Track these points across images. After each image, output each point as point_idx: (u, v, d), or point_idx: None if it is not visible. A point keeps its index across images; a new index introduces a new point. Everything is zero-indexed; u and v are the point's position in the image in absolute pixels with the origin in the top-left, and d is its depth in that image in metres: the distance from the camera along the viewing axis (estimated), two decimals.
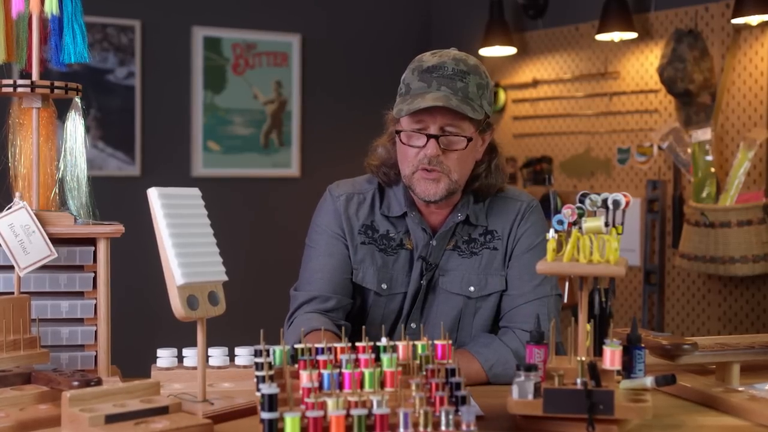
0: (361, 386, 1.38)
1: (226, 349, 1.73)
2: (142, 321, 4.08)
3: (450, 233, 1.93)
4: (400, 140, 1.86)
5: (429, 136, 1.81)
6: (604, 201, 1.44)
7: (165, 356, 1.70)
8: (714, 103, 3.65)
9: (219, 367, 1.70)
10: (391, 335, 1.91)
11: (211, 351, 1.70)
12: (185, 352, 1.71)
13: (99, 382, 1.46)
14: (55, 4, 1.67)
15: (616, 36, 3.94)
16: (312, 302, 1.91)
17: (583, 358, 1.39)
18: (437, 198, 1.85)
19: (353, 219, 1.96)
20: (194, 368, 1.67)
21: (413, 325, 1.57)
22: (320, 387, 1.36)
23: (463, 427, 1.23)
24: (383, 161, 1.95)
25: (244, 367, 1.71)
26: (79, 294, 1.69)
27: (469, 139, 1.83)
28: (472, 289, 1.92)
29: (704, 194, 3.48)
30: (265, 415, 1.23)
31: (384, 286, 1.93)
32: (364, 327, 1.56)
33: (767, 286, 3.52)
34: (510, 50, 4.44)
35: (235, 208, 4.55)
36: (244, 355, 1.72)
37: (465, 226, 1.94)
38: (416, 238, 1.93)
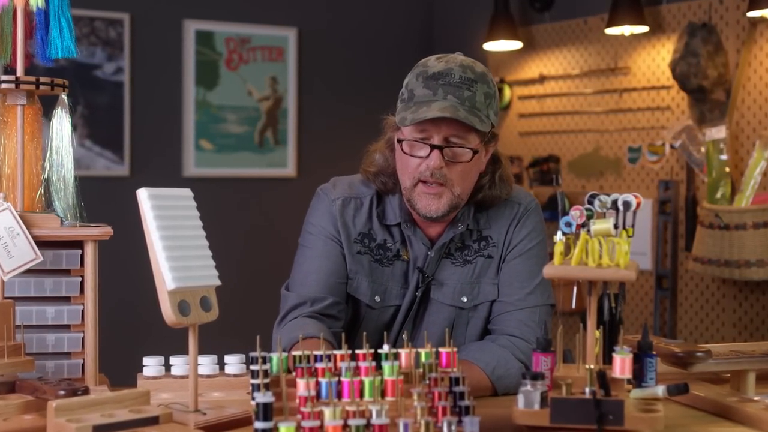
0: (361, 395, 1.37)
1: (215, 357, 1.70)
2: (131, 327, 4.05)
3: (448, 244, 1.89)
4: (402, 150, 1.81)
5: (433, 147, 1.76)
6: (614, 202, 1.43)
7: (151, 364, 1.68)
8: (729, 100, 3.61)
9: (208, 376, 1.68)
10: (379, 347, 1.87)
11: (200, 359, 1.67)
12: (173, 360, 1.69)
13: (86, 391, 1.47)
14: None
15: (627, 30, 3.89)
16: (305, 305, 1.86)
17: (592, 366, 1.37)
18: (439, 215, 1.81)
19: (350, 226, 1.91)
20: (182, 377, 1.66)
21: (404, 337, 1.55)
22: (318, 396, 1.35)
23: None
24: (381, 169, 1.90)
25: (234, 376, 1.68)
26: (66, 299, 1.67)
27: (475, 152, 1.79)
28: (464, 299, 1.89)
29: (719, 195, 3.45)
30: (259, 425, 1.23)
31: (377, 298, 1.90)
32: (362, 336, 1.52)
33: None
34: (515, 45, 4.40)
35: (228, 210, 4.50)
36: (234, 363, 1.69)
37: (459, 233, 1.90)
38: (414, 249, 1.89)
